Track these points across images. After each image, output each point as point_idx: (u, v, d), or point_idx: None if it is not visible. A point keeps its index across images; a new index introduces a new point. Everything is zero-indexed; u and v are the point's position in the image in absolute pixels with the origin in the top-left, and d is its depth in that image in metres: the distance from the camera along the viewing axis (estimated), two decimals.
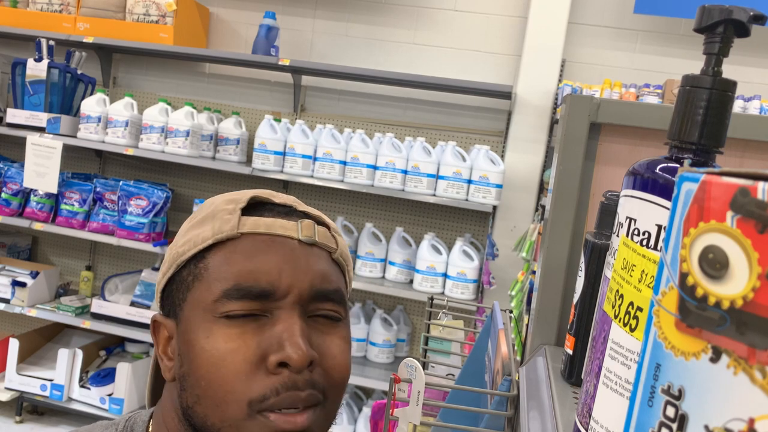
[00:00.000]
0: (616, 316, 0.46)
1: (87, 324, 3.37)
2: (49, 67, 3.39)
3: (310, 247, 0.66)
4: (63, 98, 3.50)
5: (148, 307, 3.39)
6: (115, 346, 3.72)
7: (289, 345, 0.61)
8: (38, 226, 3.40)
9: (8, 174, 3.50)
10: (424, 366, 1.24)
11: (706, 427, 0.26)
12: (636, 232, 0.45)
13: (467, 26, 3.49)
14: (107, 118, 3.33)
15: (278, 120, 3.32)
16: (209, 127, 3.39)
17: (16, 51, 3.84)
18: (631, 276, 0.44)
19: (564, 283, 0.88)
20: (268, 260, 0.63)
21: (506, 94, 3.19)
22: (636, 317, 0.44)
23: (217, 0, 3.75)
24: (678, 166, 0.47)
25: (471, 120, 3.52)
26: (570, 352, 0.71)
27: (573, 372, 0.71)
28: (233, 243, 0.64)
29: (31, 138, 3.31)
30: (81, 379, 3.42)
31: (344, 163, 3.16)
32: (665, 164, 0.46)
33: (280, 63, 3.23)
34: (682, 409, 0.27)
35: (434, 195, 3.09)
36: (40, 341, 3.68)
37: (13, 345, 3.43)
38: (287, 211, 0.69)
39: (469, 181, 3.06)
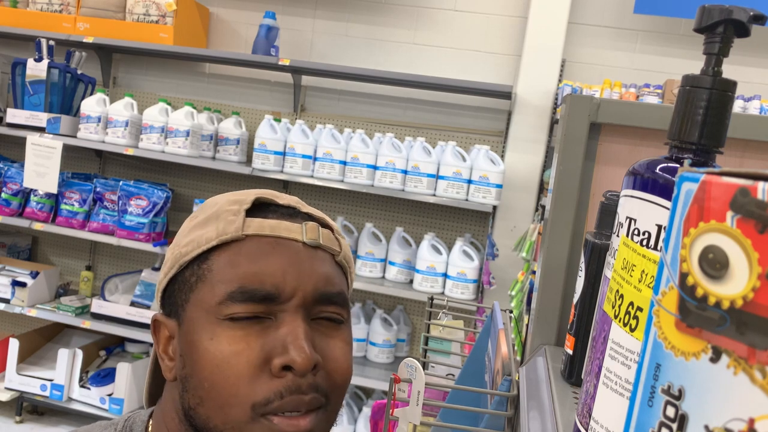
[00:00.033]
0: (616, 316, 0.46)
1: (87, 324, 3.37)
2: (49, 67, 3.39)
3: (314, 250, 0.66)
4: (63, 98, 3.50)
5: (148, 307, 3.39)
6: (115, 346, 3.72)
7: (293, 348, 0.61)
8: (38, 226, 3.40)
9: (8, 174, 3.50)
10: (424, 366, 1.24)
11: (706, 427, 0.26)
12: (636, 232, 0.45)
13: (467, 26, 3.49)
14: (107, 118, 3.33)
15: (278, 120, 3.32)
16: (209, 127, 3.39)
17: (16, 51, 3.84)
18: (631, 276, 0.44)
19: (564, 283, 0.88)
20: (272, 263, 0.63)
21: (506, 94, 3.19)
22: (636, 317, 0.44)
23: (217, 0, 3.75)
24: (678, 166, 0.47)
25: (471, 120, 3.52)
26: (570, 352, 0.71)
27: (573, 372, 0.71)
28: (237, 244, 0.64)
29: (31, 138, 3.31)
30: (81, 379, 3.42)
31: (344, 163, 3.16)
32: (665, 164, 0.46)
33: (280, 63, 3.23)
34: (682, 409, 0.27)
35: (434, 195, 3.09)
36: (40, 341, 3.68)
37: (13, 345, 3.43)
38: (291, 213, 0.68)
39: (469, 181, 3.06)
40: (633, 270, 0.44)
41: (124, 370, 3.32)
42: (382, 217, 3.61)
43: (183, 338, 0.65)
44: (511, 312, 1.39)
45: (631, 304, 0.44)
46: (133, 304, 3.41)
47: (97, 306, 3.41)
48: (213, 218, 0.66)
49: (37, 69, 3.40)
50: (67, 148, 3.36)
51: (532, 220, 3.25)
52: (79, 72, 3.55)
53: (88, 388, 3.39)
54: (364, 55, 3.59)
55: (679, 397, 0.28)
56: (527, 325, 1.16)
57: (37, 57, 3.41)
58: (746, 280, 0.25)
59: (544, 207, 2.40)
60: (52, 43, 3.44)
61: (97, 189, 3.43)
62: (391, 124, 3.57)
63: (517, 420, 0.79)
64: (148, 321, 3.32)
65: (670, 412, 0.28)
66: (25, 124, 3.41)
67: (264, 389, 0.60)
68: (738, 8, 0.45)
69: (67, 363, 3.37)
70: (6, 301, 3.46)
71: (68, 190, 3.45)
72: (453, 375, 1.29)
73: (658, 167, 0.46)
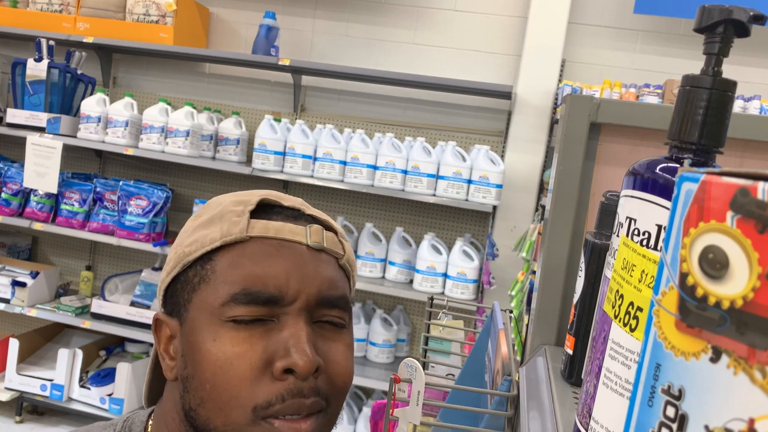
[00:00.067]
0: (616, 316, 0.46)
1: (87, 324, 3.37)
2: (49, 67, 3.39)
3: (318, 253, 0.66)
4: (63, 98, 3.50)
5: (148, 307, 3.39)
6: (115, 346, 3.72)
7: (295, 351, 0.61)
8: (38, 226, 3.41)
9: (8, 174, 3.50)
10: (424, 366, 1.24)
11: (706, 427, 0.26)
12: (636, 232, 0.45)
13: (467, 26, 3.49)
14: (107, 118, 3.33)
15: (278, 120, 3.32)
16: (209, 127, 3.39)
17: (16, 51, 3.84)
18: (631, 276, 0.44)
19: (564, 283, 0.88)
20: (276, 265, 0.63)
21: (506, 94, 3.19)
22: (636, 317, 0.44)
23: (217, 0, 3.75)
24: (678, 166, 0.47)
25: (471, 120, 3.52)
26: (570, 352, 0.71)
27: (573, 372, 0.71)
28: (242, 246, 0.64)
29: (31, 138, 3.31)
30: (81, 379, 3.42)
31: (344, 163, 3.16)
32: (665, 164, 0.46)
33: (280, 63, 3.23)
34: (682, 409, 0.27)
35: (434, 195, 3.09)
36: (40, 341, 3.68)
37: (13, 345, 3.43)
38: (295, 215, 0.68)
39: (469, 181, 3.06)
40: (633, 270, 0.44)
41: (124, 370, 3.32)
42: (382, 217, 3.61)
43: (185, 338, 0.65)
44: (511, 312, 1.39)
45: (631, 304, 0.44)
46: (133, 304, 3.41)
47: (97, 306, 3.41)
48: (217, 218, 0.66)
49: (37, 69, 3.40)
50: (67, 148, 3.36)
51: (532, 220, 3.25)
52: (79, 72, 3.56)
53: (88, 388, 3.39)
54: (364, 55, 3.59)
55: (679, 397, 0.28)
56: (527, 325, 1.16)
57: (37, 57, 3.41)
58: (746, 280, 0.25)
59: (544, 207, 2.40)
60: (52, 43, 3.44)
61: (97, 189, 3.43)
62: (391, 124, 3.57)
63: (517, 420, 0.79)
64: (148, 321, 3.33)
65: (670, 412, 0.28)
66: (25, 124, 3.41)
67: (265, 392, 0.60)
68: (738, 8, 0.45)
69: (67, 363, 3.37)
70: (6, 301, 3.46)
71: (68, 190, 3.45)
72: (453, 375, 1.29)
73: (658, 167, 0.46)
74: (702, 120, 0.47)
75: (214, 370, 0.61)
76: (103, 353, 3.65)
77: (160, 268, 3.55)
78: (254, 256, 0.63)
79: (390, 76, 3.19)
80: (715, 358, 0.26)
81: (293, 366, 0.60)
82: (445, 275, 3.11)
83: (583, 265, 0.70)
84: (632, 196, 0.47)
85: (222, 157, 3.40)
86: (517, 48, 3.42)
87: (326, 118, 3.62)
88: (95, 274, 3.91)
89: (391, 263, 3.24)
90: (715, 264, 0.26)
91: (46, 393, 3.39)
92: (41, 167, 3.30)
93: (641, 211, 0.45)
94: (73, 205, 3.44)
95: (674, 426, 0.28)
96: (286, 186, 3.63)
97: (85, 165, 3.96)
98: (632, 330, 0.44)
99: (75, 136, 3.37)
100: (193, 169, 3.78)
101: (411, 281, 3.22)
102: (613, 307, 0.46)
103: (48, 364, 3.53)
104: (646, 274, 0.43)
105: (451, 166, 3.04)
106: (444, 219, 3.54)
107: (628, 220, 0.46)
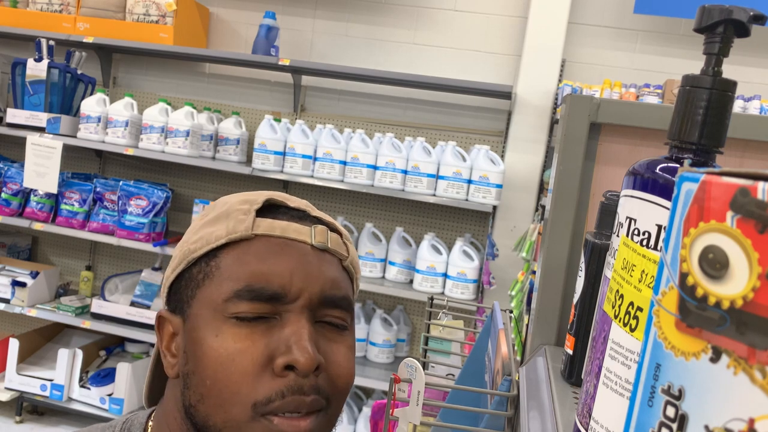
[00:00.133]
0: (616, 316, 0.46)
1: (87, 324, 3.37)
2: (49, 67, 3.39)
3: (322, 253, 0.67)
4: (63, 98, 3.50)
5: (148, 307, 3.39)
6: (115, 346, 3.72)
7: (296, 348, 0.61)
8: (38, 226, 3.41)
9: (8, 174, 3.50)
10: (424, 366, 1.24)
11: (706, 427, 0.26)
12: (636, 232, 0.45)
13: (467, 26, 3.49)
14: (107, 118, 3.33)
15: (278, 120, 3.32)
16: (209, 127, 3.39)
17: (16, 51, 3.84)
18: (631, 276, 0.44)
19: (564, 283, 0.88)
20: (280, 263, 0.63)
21: (506, 94, 3.19)
22: (636, 317, 0.44)
23: (217, 0, 3.75)
24: (678, 166, 0.47)
25: (471, 120, 3.52)
26: (570, 352, 0.71)
27: (573, 372, 0.71)
28: (246, 244, 0.65)
29: (31, 138, 3.31)
30: (81, 379, 3.42)
31: (344, 163, 3.16)
32: (665, 164, 0.46)
33: (280, 63, 3.23)
34: (682, 409, 0.27)
35: (434, 195, 3.09)
36: (40, 341, 3.68)
37: (13, 345, 3.43)
38: (301, 216, 0.69)
39: (469, 181, 3.06)
40: (633, 270, 0.44)
41: (124, 370, 3.32)
42: (382, 217, 3.61)
43: (187, 334, 0.65)
44: (511, 312, 1.39)
45: (631, 304, 0.44)
46: (133, 304, 3.41)
47: (97, 306, 3.41)
48: (223, 217, 0.67)
49: (37, 69, 3.40)
50: (67, 148, 3.36)
51: (532, 220, 3.25)
52: (79, 72, 3.56)
53: (88, 388, 3.39)
54: (364, 55, 3.59)
55: (679, 397, 0.28)
56: (527, 325, 1.16)
57: (37, 57, 3.41)
58: (746, 280, 0.25)
59: (544, 207, 2.40)
60: (52, 43, 3.44)
61: (97, 189, 3.43)
62: (391, 124, 3.57)
63: (517, 420, 0.79)
64: (148, 321, 3.33)
65: (670, 412, 0.28)
66: (25, 124, 3.41)
67: (266, 388, 0.60)
68: (738, 8, 0.45)
69: (67, 363, 3.37)
70: (6, 301, 3.46)
71: (68, 190, 3.45)
72: (453, 375, 1.29)
73: (658, 167, 0.46)
74: (702, 120, 0.47)
75: (216, 366, 0.61)
76: (103, 353, 3.65)
77: (160, 268, 3.55)
78: (259, 254, 0.64)
79: (390, 76, 3.19)
80: (715, 358, 0.26)
81: (294, 362, 0.60)
82: (445, 275, 3.11)
83: (583, 265, 0.70)
84: (632, 196, 0.47)
85: (222, 157, 3.40)
86: (517, 48, 3.42)
87: (326, 118, 3.62)
88: (95, 274, 3.91)
89: (391, 263, 3.24)
90: (715, 264, 0.26)
91: (46, 393, 3.39)
92: (41, 167, 3.30)
93: (641, 211, 0.45)
94: (73, 205, 3.44)
95: (674, 426, 0.28)
96: (286, 186, 3.63)
97: (85, 165, 3.96)
98: (632, 330, 0.44)
99: (75, 136, 3.37)
100: (193, 169, 3.78)
101: (411, 281, 3.22)
102: (613, 307, 0.46)
103: (48, 364, 3.53)
104: (646, 274, 0.43)
105: (451, 166, 3.04)
106: (444, 219, 3.54)
107: (628, 220, 0.46)
